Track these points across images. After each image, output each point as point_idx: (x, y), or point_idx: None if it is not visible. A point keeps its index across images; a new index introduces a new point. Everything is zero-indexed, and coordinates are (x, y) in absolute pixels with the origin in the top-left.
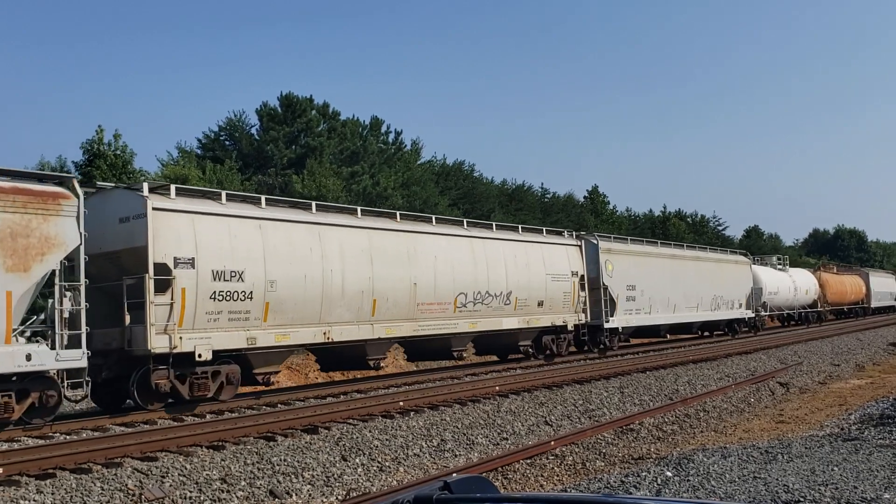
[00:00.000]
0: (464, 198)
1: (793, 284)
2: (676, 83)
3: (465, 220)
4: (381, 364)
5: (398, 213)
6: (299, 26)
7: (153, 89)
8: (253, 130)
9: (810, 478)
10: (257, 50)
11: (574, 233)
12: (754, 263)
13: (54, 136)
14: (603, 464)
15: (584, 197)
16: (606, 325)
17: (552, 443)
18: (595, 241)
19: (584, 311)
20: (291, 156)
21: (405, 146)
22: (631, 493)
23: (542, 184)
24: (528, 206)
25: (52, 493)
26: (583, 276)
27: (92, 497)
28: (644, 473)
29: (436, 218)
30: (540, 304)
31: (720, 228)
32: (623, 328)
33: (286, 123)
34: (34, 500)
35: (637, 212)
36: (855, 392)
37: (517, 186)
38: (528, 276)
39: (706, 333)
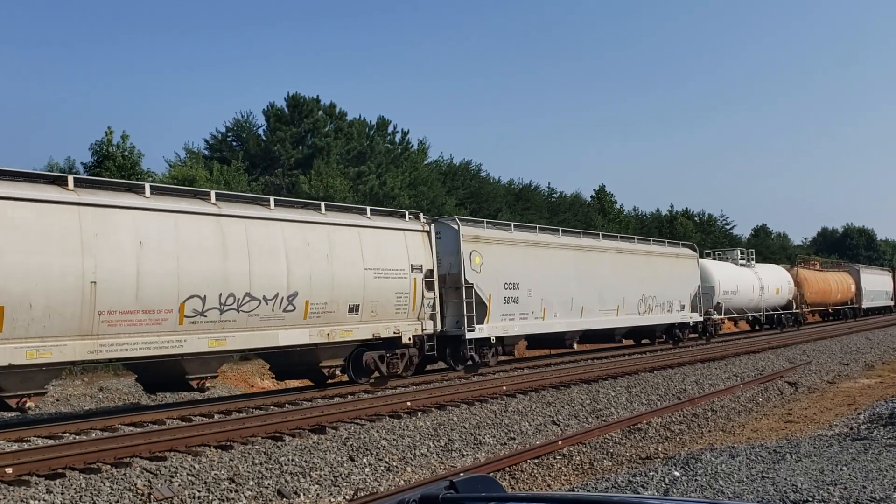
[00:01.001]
0: (471, 197)
1: (758, 282)
2: (683, 82)
3: (213, 192)
4: (29, 405)
5: (71, 177)
6: (306, 26)
7: (160, 90)
8: (260, 131)
9: (819, 477)
10: (264, 50)
11: (422, 215)
12: (712, 258)
13: (63, 138)
14: (610, 463)
15: (592, 196)
16: (469, 335)
17: (560, 442)
18: (455, 227)
19: (434, 317)
20: (298, 156)
21: (412, 146)
22: (639, 493)
23: (549, 183)
24: (535, 205)
25: (62, 493)
26: (431, 272)
27: (101, 497)
28: (652, 473)
29: (152, 187)
30: (354, 309)
31: (728, 228)
32: (500, 338)
33: (293, 124)
34: (44, 500)
35: (644, 211)
36: (864, 391)
37: (524, 186)
38: (330, 271)
39: (646, 342)
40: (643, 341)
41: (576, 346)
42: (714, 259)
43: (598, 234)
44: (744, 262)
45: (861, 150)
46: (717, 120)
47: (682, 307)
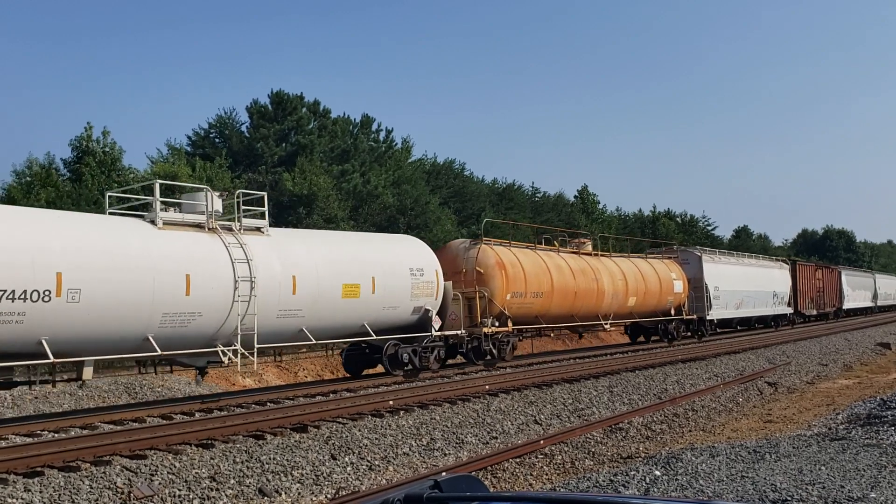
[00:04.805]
0: (454, 196)
1: (273, 272)
2: (666, 82)
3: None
4: None
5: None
6: (290, 23)
7: (143, 86)
8: (243, 128)
9: (798, 477)
10: (248, 47)
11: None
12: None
13: (43, 133)
14: (592, 463)
15: (575, 196)
16: None
17: (541, 442)
18: None
19: None
20: (282, 153)
21: (396, 144)
22: (620, 492)
23: (533, 183)
24: (518, 205)
25: (40, 492)
26: None
27: (80, 495)
28: (633, 472)
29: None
30: None
31: (709, 228)
32: None
33: (276, 121)
34: (22, 499)
35: (627, 211)
36: (843, 392)
37: (507, 185)
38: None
39: None
40: None
41: None
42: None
43: None
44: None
45: (841, 153)
46: (699, 121)
47: None
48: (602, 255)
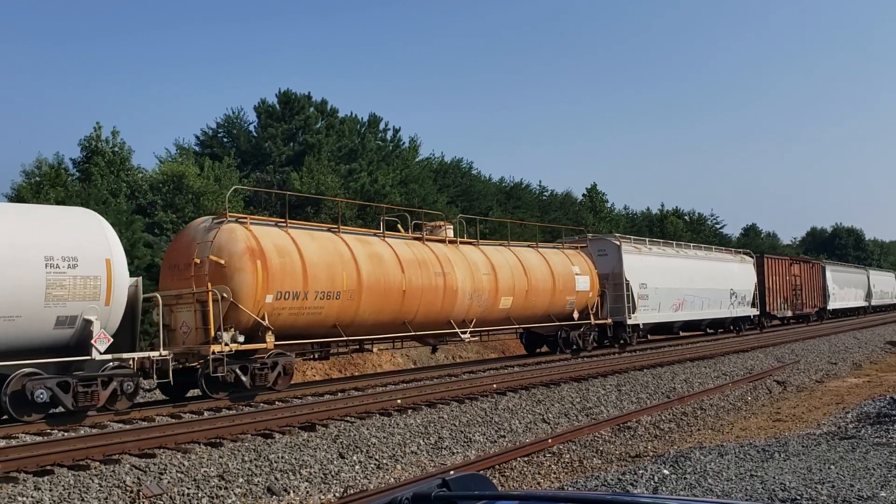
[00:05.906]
0: (462, 195)
1: None
2: (674, 80)
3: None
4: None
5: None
6: (298, 23)
7: (151, 86)
8: (251, 127)
9: (807, 476)
10: (255, 46)
11: None
12: None
13: (51, 133)
14: (600, 461)
15: (583, 195)
16: None
17: (549, 440)
18: None
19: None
20: (289, 153)
21: (403, 143)
22: (628, 491)
23: (541, 181)
24: (526, 203)
25: (50, 490)
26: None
27: (90, 494)
28: (641, 471)
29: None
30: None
31: (718, 227)
32: None
33: (284, 120)
34: (32, 497)
35: (635, 210)
36: (852, 390)
37: (515, 184)
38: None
39: None
40: None
41: None
42: None
43: None
44: None
45: (850, 151)
46: (708, 120)
47: None
48: (464, 243)
